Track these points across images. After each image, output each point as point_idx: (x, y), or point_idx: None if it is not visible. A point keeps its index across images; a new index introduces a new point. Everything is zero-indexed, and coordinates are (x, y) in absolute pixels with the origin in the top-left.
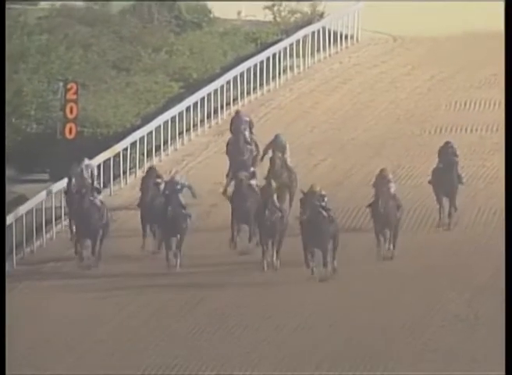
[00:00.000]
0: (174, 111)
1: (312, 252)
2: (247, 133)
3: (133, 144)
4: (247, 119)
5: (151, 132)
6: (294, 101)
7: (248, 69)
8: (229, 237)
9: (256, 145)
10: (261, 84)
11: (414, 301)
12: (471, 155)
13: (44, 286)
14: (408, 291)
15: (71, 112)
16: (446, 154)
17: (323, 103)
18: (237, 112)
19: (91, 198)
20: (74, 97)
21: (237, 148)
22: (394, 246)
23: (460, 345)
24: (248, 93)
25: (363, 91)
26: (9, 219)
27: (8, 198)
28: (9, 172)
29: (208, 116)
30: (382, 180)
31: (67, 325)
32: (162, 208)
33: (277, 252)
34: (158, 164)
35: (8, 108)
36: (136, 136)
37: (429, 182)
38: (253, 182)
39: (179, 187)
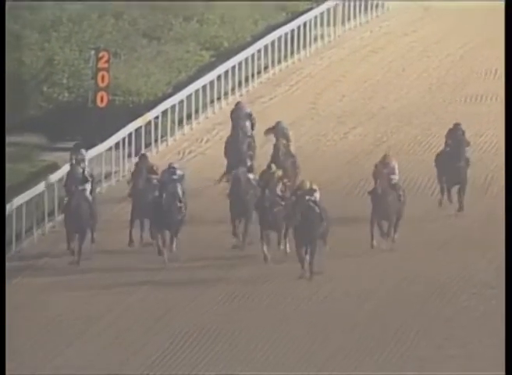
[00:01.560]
0: (205, 79)
1: (306, 249)
2: (247, 125)
3: (165, 113)
4: (248, 111)
5: (182, 100)
6: (325, 70)
7: (279, 38)
8: (231, 231)
9: (253, 139)
10: (292, 53)
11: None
12: (501, 123)
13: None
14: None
15: (102, 80)
16: (455, 137)
17: (354, 72)
18: (237, 104)
19: (81, 187)
20: (106, 65)
21: (236, 141)
22: (393, 239)
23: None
24: (279, 61)
25: (394, 59)
26: (41, 187)
27: (40, 165)
28: (41, 140)
29: (239, 85)
30: (383, 167)
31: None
32: (156, 198)
33: (279, 244)
34: (189, 132)
35: (40, 77)
36: (167, 104)
37: (435, 166)
38: (250, 176)
39: (176, 176)
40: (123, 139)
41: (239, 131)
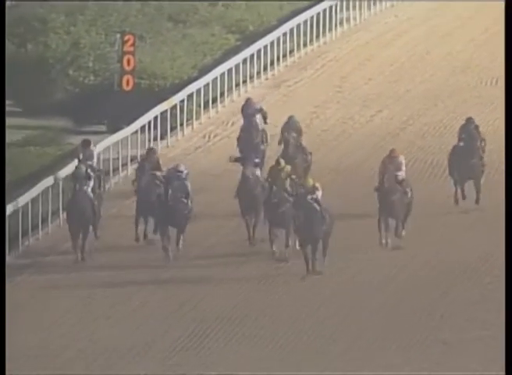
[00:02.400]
0: (231, 63)
1: (308, 248)
2: (258, 120)
3: (190, 96)
4: (258, 107)
5: (207, 84)
6: (350, 53)
7: (304, 21)
8: (242, 229)
9: (266, 133)
10: (318, 36)
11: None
12: None
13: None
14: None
15: (128, 64)
16: (468, 131)
17: (379, 55)
18: (247, 101)
19: (84, 187)
20: (131, 49)
21: (248, 136)
22: (401, 236)
23: None
24: (304, 45)
25: (418, 43)
26: (67, 170)
27: (66, 149)
28: (66, 123)
29: (265, 68)
30: (390, 162)
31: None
32: (162, 195)
33: (287, 240)
34: (215, 115)
35: (66, 60)
36: (192, 88)
37: (448, 162)
38: (258, 173)
39: (181, 174)
40: (149, 122)
41: (250, 127)
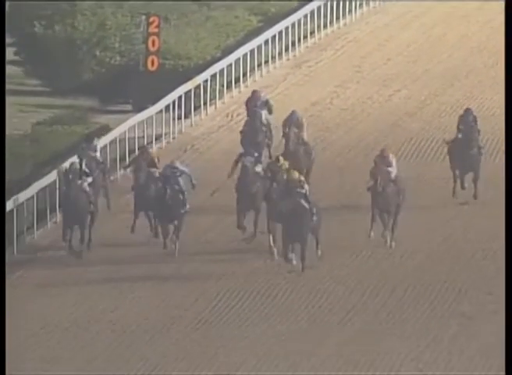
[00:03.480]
0: (253, 44)
1: (292, 245)
2: (263, 114)
3: (213, 76)
4: (263, 99)
5: (230, 64)
6: (369, 35)
7: (325, 4)
8: (236, 224)
9: (270, 127)
10: (338, 18)
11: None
12: None
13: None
14: None
15: (153, 44)
16: (467, 123)
17: (398, 36)
18: (253, 93)
19: (79, 182)
20: (156, 30)
21: (252, 130)
22: (393, 233)
23: None
24: (325, 26)
25: (436, 24)
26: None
27: (93, 127)
28: (93, 102)
29: (286, 49)
30: (382, 161)
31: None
32: (160, 193)
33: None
34: (237, 95)
35: (92, 41)
36: (216, 68)
37: (448, 153)
38: (258, 168)
39: (178, 173)
40: (173, 102)
41: (255, 120)
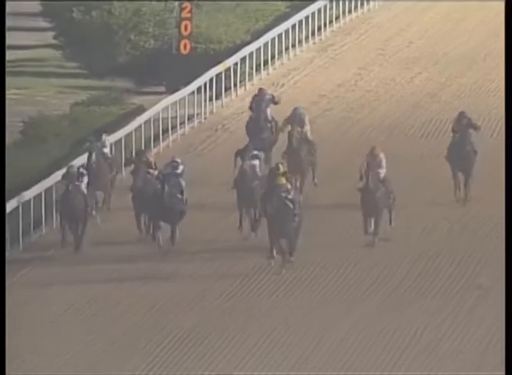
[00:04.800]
0: (281, 28)
1: (279, 246)
2: (268, 111)
3: (243, 59)
4: (269, 96)
5: (259, 48)
6: (392, 20)
7: None
8: (237, 223)
9: (275, 124)
10: (362, 4)
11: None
12: None
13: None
14: None
15: (186, 29)
16: (461, 125)
17: (419, 21)
18: (260, 90)
19: (77, 183)
20: (189, 15)
21: (257, 126)
22: (377, 233)
23: None
24: (350, 11)
25: (455, 10)
26: (129, 127)
27: (128, 108)
28: (129, 84)
29: (313, 33)
30: (372, 158)
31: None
32: (158, 191)
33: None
34: (266, 77)
35: (128, 26)
36: (245, 51)
37: (446, 158)
38: (256, 163)
39: (178, 170)
40: (205, 83)
41: (261, 118)
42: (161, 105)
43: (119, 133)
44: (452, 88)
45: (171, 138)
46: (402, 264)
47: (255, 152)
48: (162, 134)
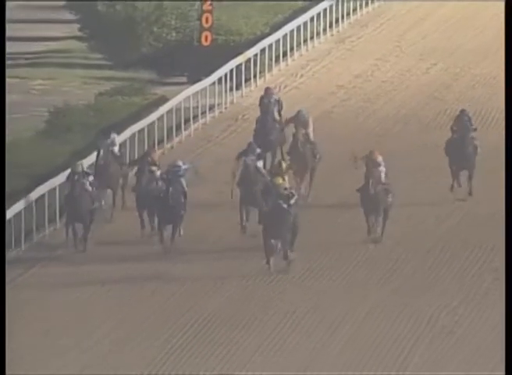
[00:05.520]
0: (299, 20)
1: (272, 244)
2: (275, 111)
3: (263, 51)
4: (276, 97)
5: (278, 39)
6: (408, 13)
7: None
8: (238, 222)
9: (282, 125)
10: None
11: None
12: None
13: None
14: None
15: (207, 21)
16: (462, 123)
17: (434, 13)
18: (266, 90)
19: (83, 181)
20: (210, 8)
21: (265, 128)
22: (382, 231)
23: None
24: (366, 4)
25: (469, 4)
26: (152, 117)
27: (151, 98)
28: (151, 75)
29: (330, 25)
30: (371, 163)
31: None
32: (162, 193)
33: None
34: (285, 68)
35: (151, 19)
36: (265, 43)
37: (446, 154)
38: (259, 164)
39: (181, 172)
40: (225, 74)
41: (267, 117)
42: (183, 96)
43: (142, 123)
44: (466, 79)
45: (192, 128)
46: (418, 251)
47: (258, 152)
48: (184, 124)
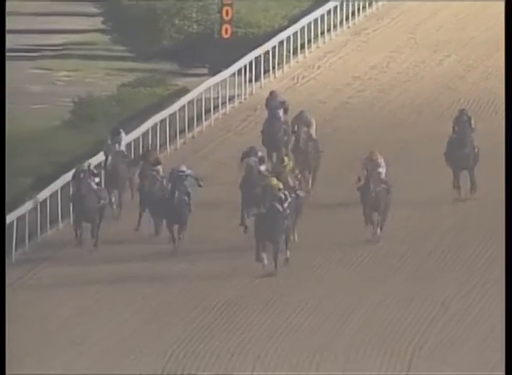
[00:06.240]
0: (316, 13)
1: (264, 246)
2: (281, 113)
3: (281, 43)
4: (282, 100)
5: (296, 32)
6: (421, 6)
7: None
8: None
9: (288, 126)
10: None
11: None
12: None
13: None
14: None
15: (227, 14)
16: (461, 123)
17: (447, 7)
18: (272, 93)
19: (89, 181)
20: (230, 1)
21: (272, 129)
22: (381, 229)
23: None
24: None
25: None
26: (173, 107)
27: (172, 89)
28: (173, 67)
29: (347, 18)
30: (371, 163)
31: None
32: (167, 195)
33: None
34: (302, 60)
35: (172, 11)
36: (283, 35)
37: (444, 154)
38: (262, 167)
39: (184, 176)
40: (245, 66)
41: (274, 120)
42: (204, 87)
43: (164, 113)
44: (479, 70)
45: (213, 118)
46: (431, 238)
47: (260, 155)
48: (205, 114)
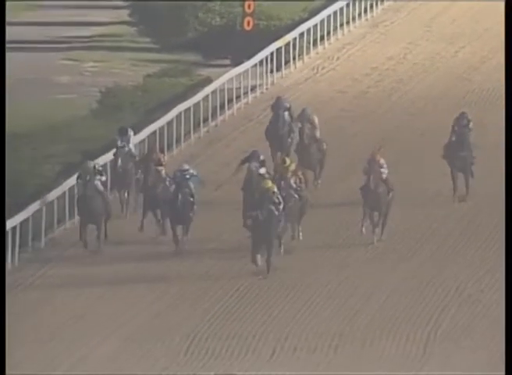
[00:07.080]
0: (336, 6)
1: (259, 248)
2: (285, 115)
3: (301, 35)
4: (286, 105)
5: (316, 24)
6: None
7: None
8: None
9: (292, 128)
10: None
11: None
12: None
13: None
14: None
15: (249, 7)
16: (461, 126)
17: (461, 1)
18: (278, 99)
19: (95, 182)
20: None
21: (277, 129)
22: (383, 230)
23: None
24: None
25: None
26: (197, 97)
27: (196, 79)
28: (197, 58)
29: (365, 11)
30: (373, 164)
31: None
32: (171, 196)
33: (293, 234)
34: (322, 51)
35: (196, 4)
36: (303, 27)
37: (443, 157)
38: (262, 171)
39: (188, 176)
40: (266, 57)
41: (278, 121)
42: (227, 77)
43: (188, 103)
44: (493, 61)
45: (235, 107)
46: (445, 223)
47: (262, 159)
48: (227, 103)
